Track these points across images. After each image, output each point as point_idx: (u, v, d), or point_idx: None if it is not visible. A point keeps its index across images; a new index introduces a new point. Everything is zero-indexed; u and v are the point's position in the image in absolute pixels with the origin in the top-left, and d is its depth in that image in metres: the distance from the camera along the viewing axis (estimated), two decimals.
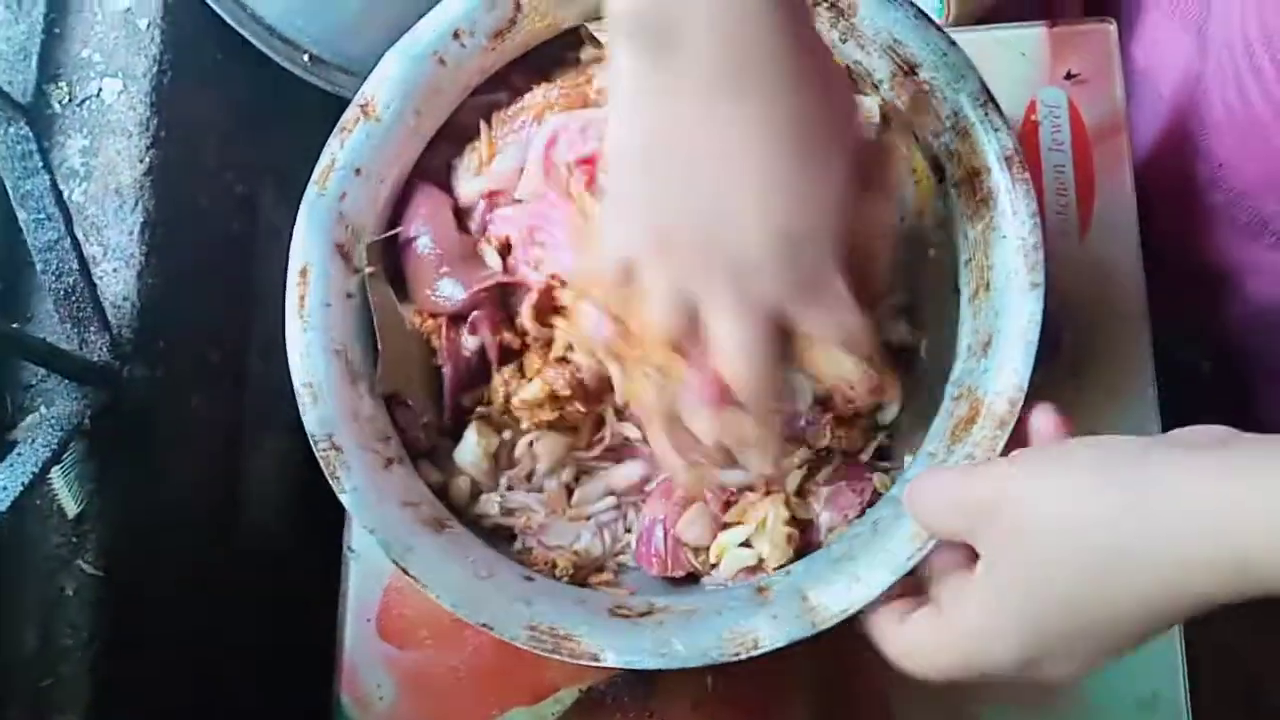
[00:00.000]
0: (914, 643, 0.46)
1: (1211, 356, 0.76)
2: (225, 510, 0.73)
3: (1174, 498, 0.37)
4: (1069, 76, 0.73)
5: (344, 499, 0.52)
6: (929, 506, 0.46)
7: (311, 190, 0.55)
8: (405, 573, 0.51)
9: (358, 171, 0.56)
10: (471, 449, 0.57)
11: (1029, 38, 0.74)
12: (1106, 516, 0.39)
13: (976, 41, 0.74)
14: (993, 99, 0.54)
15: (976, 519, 0.43)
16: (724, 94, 0.41)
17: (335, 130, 0.56)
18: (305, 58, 0.78)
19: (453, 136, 0.60)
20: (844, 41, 0.57)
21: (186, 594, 0.67)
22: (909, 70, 0.56)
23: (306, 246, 0.55)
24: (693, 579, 0.58)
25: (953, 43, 0.55)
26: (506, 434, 0.58)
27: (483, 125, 0.59)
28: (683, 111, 0.42)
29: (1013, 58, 0.74)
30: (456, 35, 0.57)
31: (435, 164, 0.60)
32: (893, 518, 0.51)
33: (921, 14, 0.55)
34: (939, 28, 0.55)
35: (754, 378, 0.45)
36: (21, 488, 0.56)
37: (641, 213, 0.45)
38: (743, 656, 0.49)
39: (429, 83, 0.57)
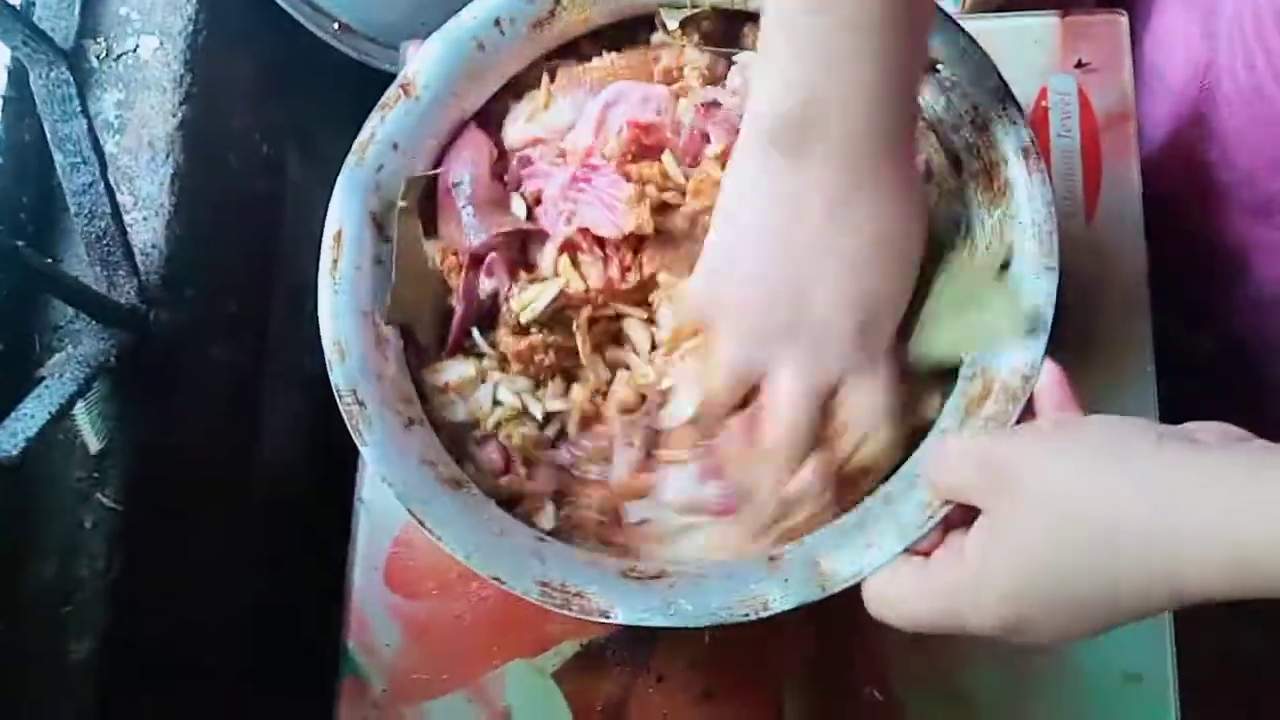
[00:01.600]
0: (896, 590, 0.48)
1: (1213, 336, 0.77)
2: (241, 454, 0.75)
3: (1178, 494, 0.39)
4: (1080, 65, 0.74)
5: (365, 452, 0.53)
6: (947, 464, 0.48)
7: (351, 159, 0.57)
8: (421, 524, 0.52)
9: (395, 146, 0.58)
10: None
11: (1042, 26, 0.75)
12: (1112, 503, 0.40)
13: (992, 29, 0.76)
14: (1011, 95, 0.56)
15: (990, 479, 0.45)
16: (839, 201, 0.49)
17: (377, 106, 0.58)
18: (335, 26, 0.81)
19: (515, 89, 0.63)
20: None
21: (201, 532, 0.69)
22: (930, 67, 0.57)
23: (342, 212, 0.57)
24: None
25: (973, 41, 0.57)
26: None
27: (545, 78, 0.61)
28: (806, 209, 0.50)
29: (1026, 45, 0.75)
30: (498, 23, 0.59)
31: (494, 109, 0.63)
32: (905, 489, 0.52)
33: (943, 12, 0.57)
34: (960, 26, 0.57)
35: (796, 428, 0.52)
36: (47, 420, 0.58)
37: (740, 279, 0.52)
38: (751, 618, 0.50)
39: (468, 67, 0.60)
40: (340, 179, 0.57)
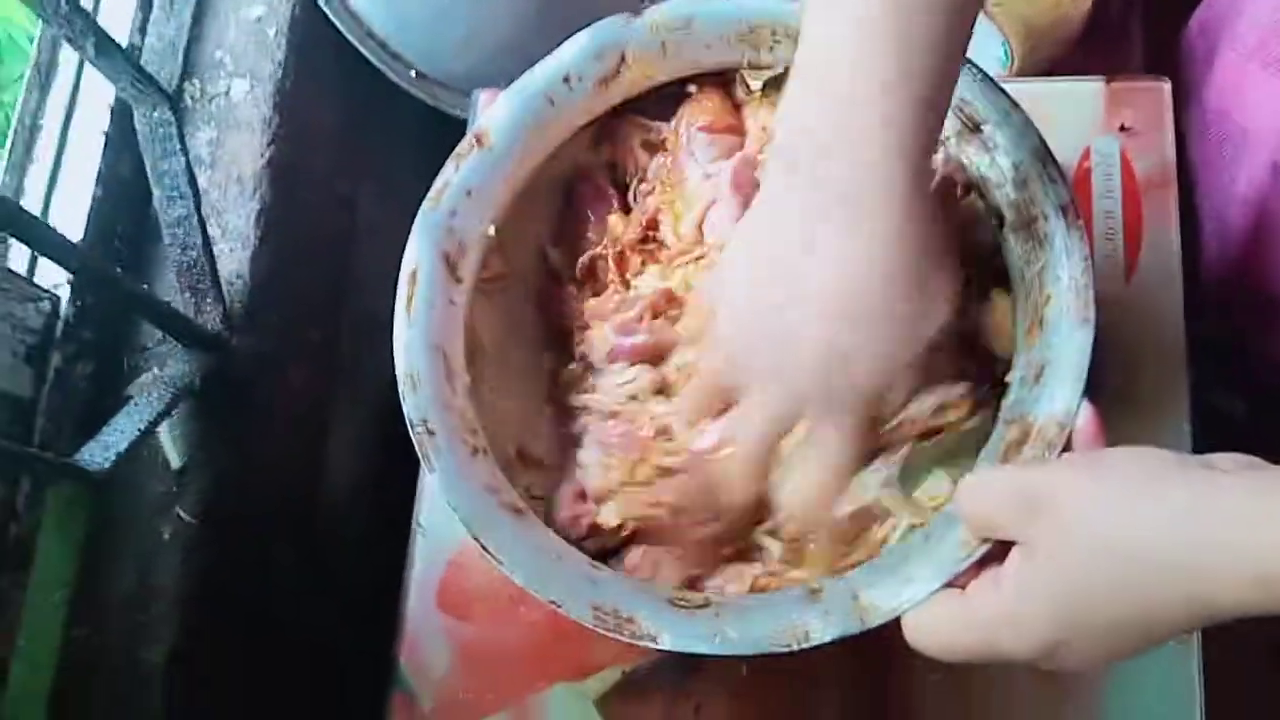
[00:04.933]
0: (935, 621, 0.49)
1: (1247, 400, 0.79)
2: (309, 476, 0.79)
3: (1204, 515, 0.40)
4: (1123, 129, 0.77)
5: (433, 478, 0.56)
6: (982, 496, 0.49)
7: (427, 204, 0.61)
8: (483, 548, 0.54)
9: (468, 193, 0.61)
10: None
11: (1087, 91, 0.78)
12: (1144, 527, 0.42)
13: (1038, 91, 0.79)
14: (1051, 155, 0.58)
15: (1025, 509, 0.46)
16: (838, 222, 0.50)
17: (452, 156, 0.61)
18: (412, 73, 0.85)
19: (610, 137, 0.67)
20: None
21: (271, 547, 0.72)
22: (974, 127, 0.60)
23: (418, 253, 0.60)
24: None
25: (1015, 104, 0.60)
26: None
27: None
28: (792, 231, 0.51)
29: (1071, 108, 0.78)
30: (566, 80, 0.63)
31: (595, 162, 0.67)
32: (944, 526, 0.53)
33: (986, 77, 0.60)
34: (1003, 90, 0.60)
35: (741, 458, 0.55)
36: (136, 436, 0.62)
37: (746, 327, 0.54)
38: (793, 648, 0.52)
39: (538, 120, 0.63)
40: (417, 222, 0.60)
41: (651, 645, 0.53)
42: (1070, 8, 0.92)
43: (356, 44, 0.81)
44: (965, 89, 0.59)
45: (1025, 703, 0.67)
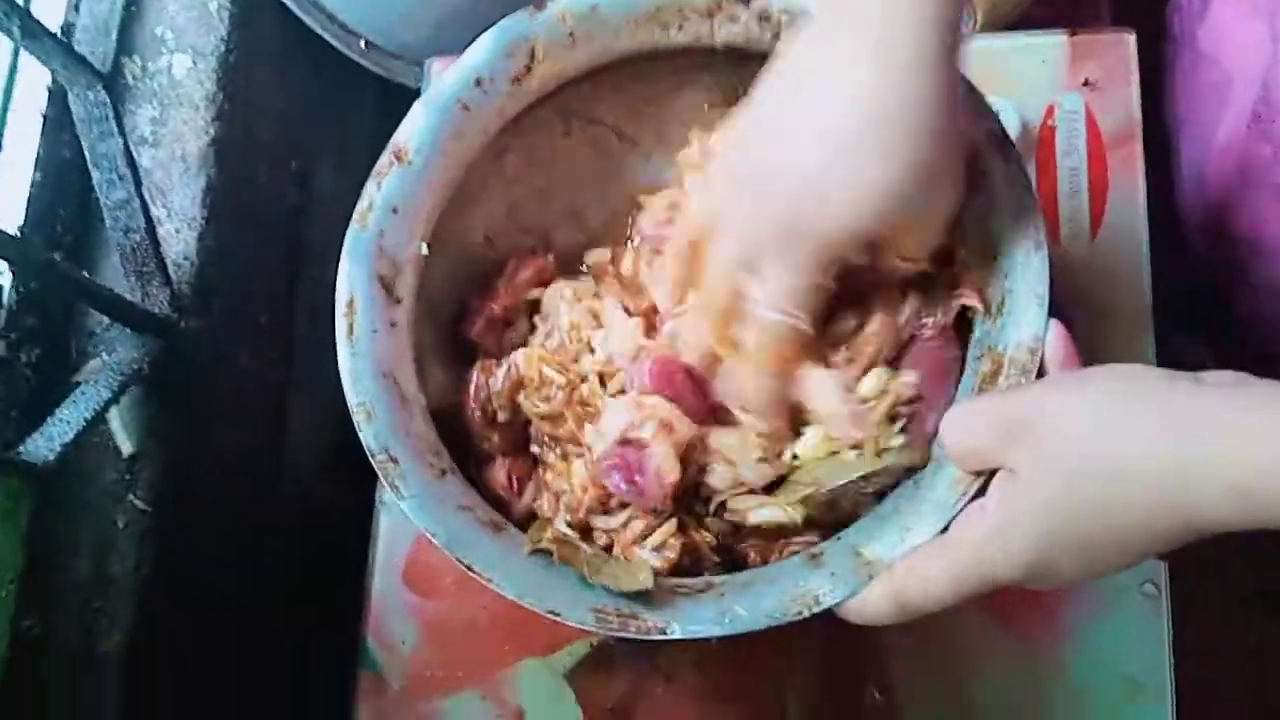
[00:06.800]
0: (922, 571, 0.49)
1: (1215, 351, 0.78)
2: (267, 457, 0.78)
3: (1186, 427, 0.40)
4: (1087, 84, 0.75)
5: (404, 506, 0.54)
6: (963, 427, 0.49)
7: (354, 227, 0.59)
8: (469, 569, 0.53)
9: (394, 210, 0.59)
10: None
11: (1050, 45, 0.77)
12: (1125, 440, 0.42)
13: (1000, 48, 0.77)
14: (973, 88, 0.57)
15: (1007, 435, 0.46)
16: (857, 55, 0.47)
17: (371, 175, 0.60)
18: (361, 44, 0.83)
19: None
20: None
21: (228, 533, 0.71)
22: None
23: (351, 279, 0.58)
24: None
25: None
26: None
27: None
28: (806, 76, 0.49)
29: (1034, 64, 0.77)
30: (479, 83, 0.61)
31: None
32: (933, 470, 0.53)
33: None
34: None
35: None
36: (83, 425, 0.61)
37: (745, 168, 0.51)
38: (805, 615, 0.51)
39: (455, 128, 0.61)
40: (345, 247, 0.58)
41: (662, 638, 0.52)
42: None
43: (303, 15, 0.80)
44: None
45: (994, 659, 0.67)
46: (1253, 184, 0.73)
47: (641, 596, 0.53)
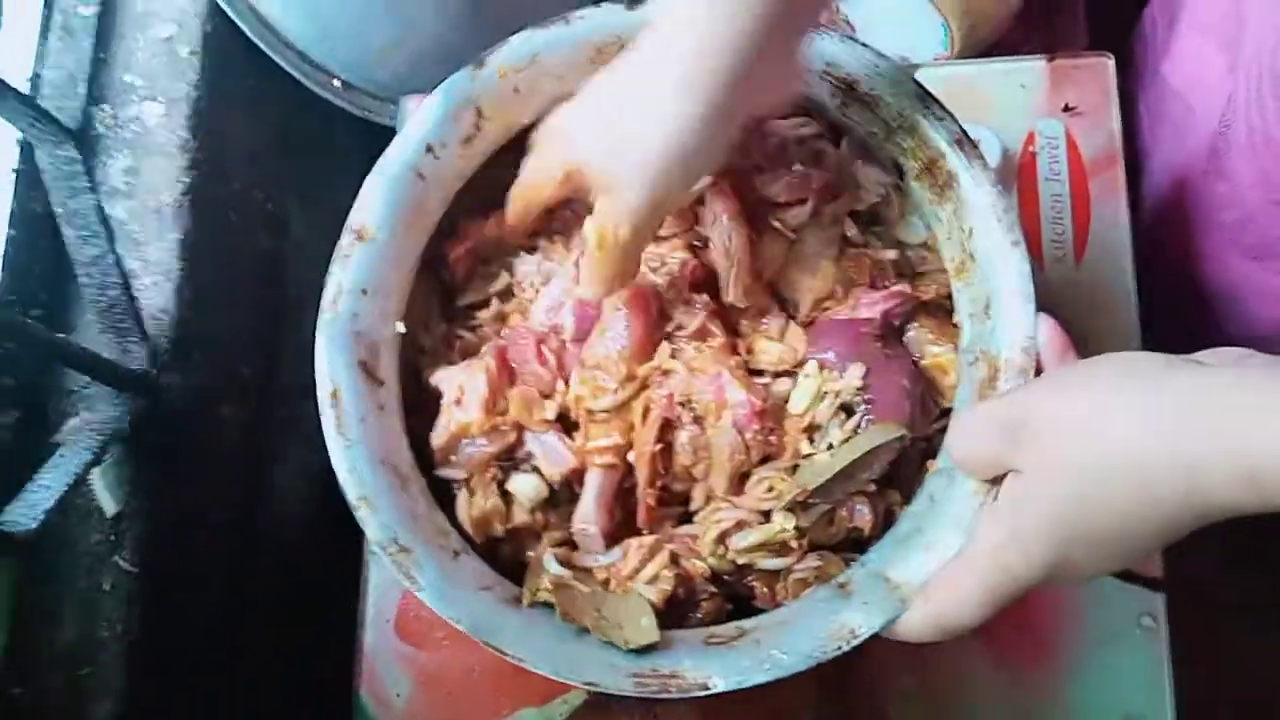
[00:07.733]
0: (949, 591, 0.48)
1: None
2: (252, 512, 0.77)
3: (1192, 412, 0.40)
4: (1067, 109, 0.75)
5: (422, 596, 0.53)
6: (968, 435, 0.49)
7: (325, 315, 0.57)
8: (500, 653, 0.52)
9: (364, 292, 0.58)
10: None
11: (1029, 70, 0.77)
12: (1131, 429, 0.41)
13: (978, 73, 0.77)
14: (932, 96, 0.57)
15: (1010, 439, 0.46)
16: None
17: (335, 256, 0.58)
18: (336, 83, 0.82)
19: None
20: None
21: (215, 591, 0.70)
22: (849, 87, 0.59)
23: (331, 370, 0.56)
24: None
25: (882, 55, 0.58)
26: None
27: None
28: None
29: (1013, 90, 0.77)
30: (430, 149, 0.60)
31: None
32: (947, 485, 0.53)
33: (848, 37, 0.59)
34: (865, 45, 0.58)
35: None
36: (65, 488, 0.60)
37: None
38: (845, 649, 0.51)
39: (413, 198, 0.60)
40: (319, 336, 0.56)
41: (706, 694, 0.51)
42: None
43: (274, 55, 0.78)
44: (830, 51, 0.58)
45: (993, 697, 0.67)
46: (1208, 225, 0.73)
47: (670, 654, 0.52)
